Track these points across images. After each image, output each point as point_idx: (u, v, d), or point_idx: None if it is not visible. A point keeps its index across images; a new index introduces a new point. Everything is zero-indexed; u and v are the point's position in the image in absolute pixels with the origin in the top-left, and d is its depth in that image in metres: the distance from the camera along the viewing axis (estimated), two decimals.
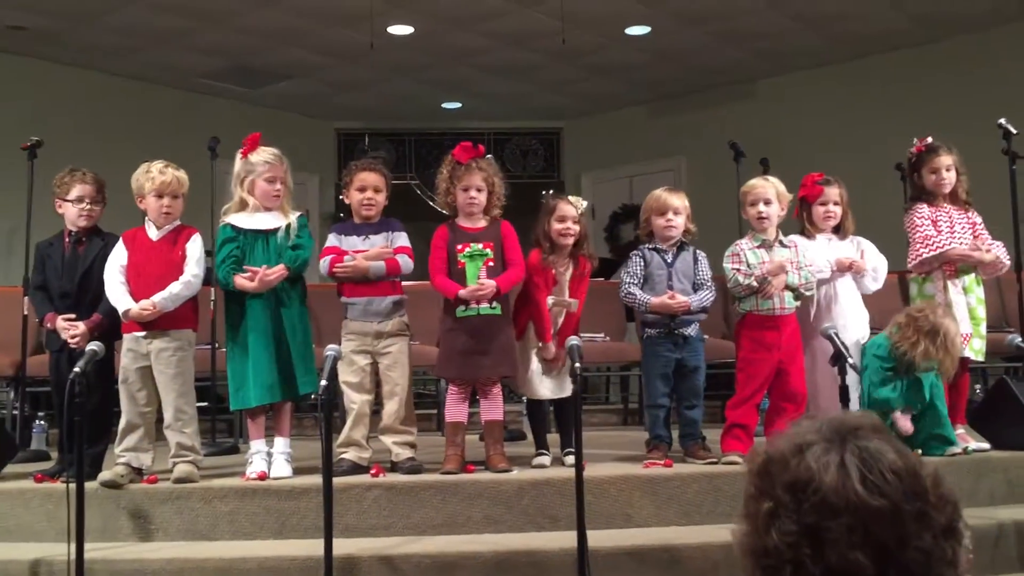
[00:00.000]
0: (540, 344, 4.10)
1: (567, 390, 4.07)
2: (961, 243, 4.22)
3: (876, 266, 4.32)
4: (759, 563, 1.08)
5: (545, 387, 4.12)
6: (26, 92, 7.77)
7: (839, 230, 4.34)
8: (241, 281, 3.85)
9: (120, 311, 3.82)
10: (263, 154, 3.97)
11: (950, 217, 4.27)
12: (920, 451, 3.83)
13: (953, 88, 7.84)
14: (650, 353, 4.19)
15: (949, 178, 4.26)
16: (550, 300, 4.12)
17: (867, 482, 1.03)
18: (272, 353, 3.87)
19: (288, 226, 3.97)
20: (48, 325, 3.99)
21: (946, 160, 4.27)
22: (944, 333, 3.81)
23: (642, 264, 4.19)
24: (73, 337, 3.91)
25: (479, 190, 4.04)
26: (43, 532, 3.53)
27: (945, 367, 3.87)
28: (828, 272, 4.19)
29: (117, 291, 3.84)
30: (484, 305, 3.95)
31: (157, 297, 3.78)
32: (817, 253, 4.21)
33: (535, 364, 4.11)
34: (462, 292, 3.93)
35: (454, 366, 4.02)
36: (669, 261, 4.16)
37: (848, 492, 1.02)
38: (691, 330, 4.11)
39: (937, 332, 3.81)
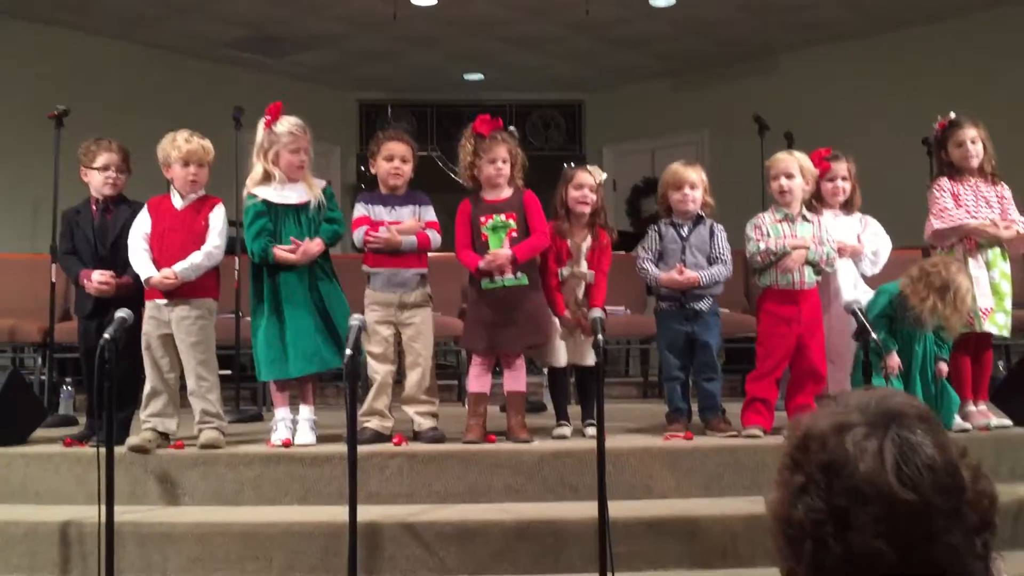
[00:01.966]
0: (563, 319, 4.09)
1: (588, 359, 4.07)
2: (987, 218, 4.18)
3: (877, 249, 4.29)
4: (784, 532, 1.09)
5: (564, 354, 4.11)
6: (52, 61, 7.81)
7: (847, 205, 4.32)
8: (282, 254, 3.87)
9: (143, 278, 3.87)
10: (287, 124, 3.97)
11: (976, 190, 4.23)
12: None
13: (981, 63, 7.73)
14: (662, 326, 4.21)
15: (975, 150, 4.22)
16: (565, 271, 4.12)
17: (902, 474, 1.02)
18: (311, 324, 3.89)
19: (320, 202, 3.99)
20: (85, 281, 4.02)
21: (970, 132, 4.23)
22: (955, 290, 3.74)
23: (657, 239, 4.20)
24: (102, 284, 3.97)
25: (504, 161, 4.04)
26: (72, 495, 3.59)
27: (951, 324, 3.82)
28: None
29: (141, 258, 3.89)
30: (509, 276, 3.96)
31: (178, 267, 3.83)
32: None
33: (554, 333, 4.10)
34: (480, 264, 3.95)
35: (481, 338, 4.03)
36: (684, 235, 4.16)
37: (880, 482, 1.02)
38: (703, 304, 4.10)
39: (947, 288, 3.74)
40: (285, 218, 3.97)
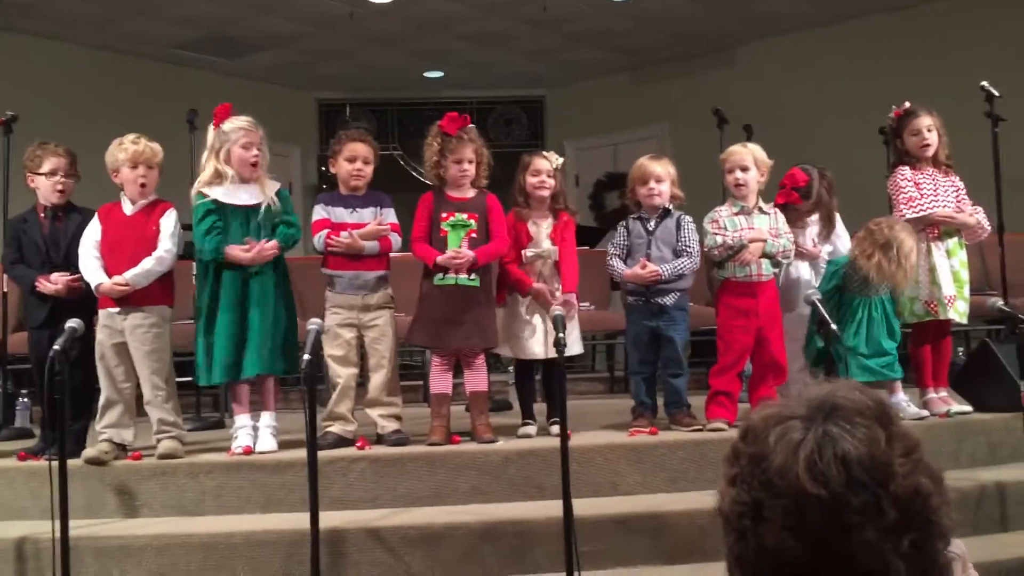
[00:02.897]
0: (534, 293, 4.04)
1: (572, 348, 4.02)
2: (945, 206, 4.22)
3: (833, 248, 4.35)
4: (722, 523, 1.09)
5: (537, 346, 4.04)
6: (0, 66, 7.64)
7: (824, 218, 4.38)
8: (236, 252, 3.80)
9: (93, 286, 3.79)
10: (237, 121, 3.91)
11: (934, 180, 4.26)
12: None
13: (937, 51, 7.81)
14: (629, 321, 4.22)
15: (931, 139, 4.25)
16: (529, 252, 4.09)
17: (813, 468, 1.00)
18: (235, 330, 3.81)
19: (269, 205, 3.90)
20: (44, 283, 3.92)
21: (926, 121, 4.26)
22: (898, 247, 3.82)
23: (625, 234, 4.19)
24: (54, 284, 3.89)
25: (470, 162, 4.02)
26: (28, 510, 3.51)
27: (897, 281, 3.88)
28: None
29: (91, 266, 3.82)
30: (463, 276, 3.94)
31: (129, 274, 3.76)
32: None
33: (525, 324, 4.06)
34: (440, 258, 3.92)
35: (427, 333, 4.02)
36: (650, 229, 4.15)
37: (790, 475, 1.00)
38: (668, 299, 4.07)
39: (891, 245, 3.83)
40: (234, 219, 3.88)
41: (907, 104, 4.33)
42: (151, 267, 3.80)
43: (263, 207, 3.90)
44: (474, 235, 3.98)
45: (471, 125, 4.10)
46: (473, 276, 3.95)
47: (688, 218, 4.19)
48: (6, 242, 4.22)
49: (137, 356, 3.79)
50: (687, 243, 4.12)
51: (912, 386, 4.26)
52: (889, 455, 1.02)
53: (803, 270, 4.36)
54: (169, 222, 3.90)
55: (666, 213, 4.17)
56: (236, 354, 3.82)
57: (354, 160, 4.07)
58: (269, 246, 3.83)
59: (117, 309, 3.79)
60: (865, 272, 3.90)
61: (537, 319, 4.06)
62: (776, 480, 1.01)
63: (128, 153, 3.84)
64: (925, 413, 4.05)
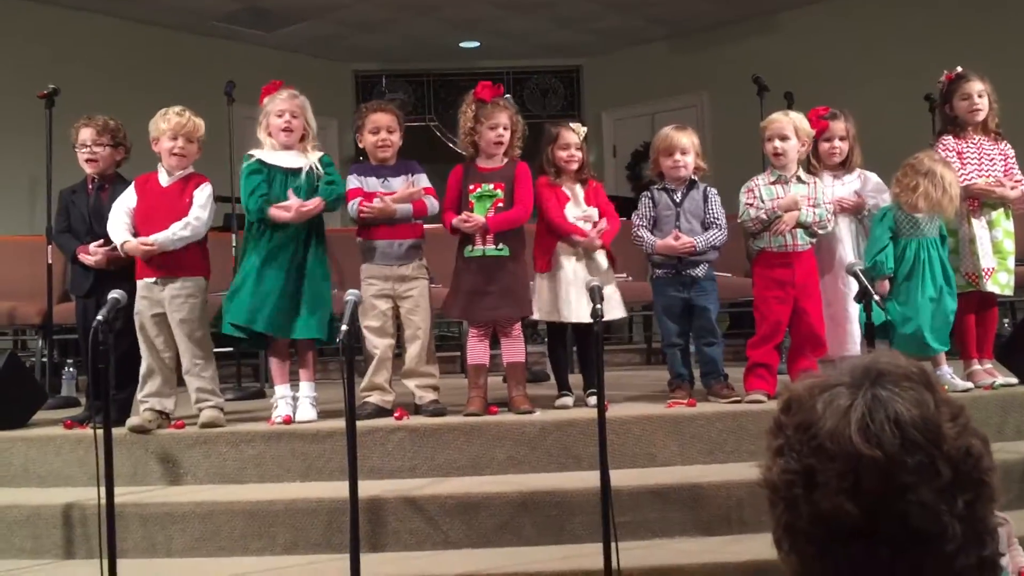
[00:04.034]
0: (583, 243, 4.04)
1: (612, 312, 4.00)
2: (989, 175, 4.13)
3: (877, 203, 4.23)
4: (767, 496, 1.09)
5: (582, 309, 3.87)
6: (42, 39, 7.71)
7: (845, 164, 4.26)
8: (277, 212, 3.83)
9: (117, 244, 3.85)
10: (276, 94, 3.99)
11: (980, 148, 4.18)
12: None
13: (984, 17, 7.61)
14: (658, 293, 4.17)
15: (982, 104, 4.17)
16: (572, 216, 4.08)
17: (866, 431, 1.00)
18: (285, 289, 3.83)
19: (311, 168, 3.94)
20: (83, 255, 3.99)
21: (977, 86, 4.17)
22: (941, 174, 3.82)
23: (651, 205, 4.16)
24: (93, 255, 3.95)
25: (505, 128, 4.02)
26: (74, 477, 3.59)
27: (944, 207, 3.85)
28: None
29: (118, 228, 3.88)
30: (490, 246, 3.94)
31: (157, 235, 3.80)
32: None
33: (565, 288, 4.04)
34: (453, 222, 3.96)
35: (458, 305, 4.04)
36: (677, 200, 4.11)
37: (843, 439, 1.01)
38: (699, 270, 4.05)
39: (934, 172, 3.83)
40: (277, 181, 3.91)
41: (959, 69, 4.23)
42: (179, 231, 3.83)
43: (304, 170, 3.92)
44: (500, 204, 3.98)
45: (507, 96, 4.10)
46: (501, 246, 3.95)
47: (714, 190, 4.17)
48: (56, 212, 4.30)
49: (175, 325, 3.84)
50: (715, 215, 4.11)
51: (956, 358, 4.19)
52: (939, 417, 1.02)
53: (845, 227, 4.26)
54: (202, 195, 3.92)
55: (692, 185, 4.13)
56: (285, 312, 3.83)
57: (377, 131, 4.08)
58: (311, 203, 3.85)
59: (154, 279, 3.84)
60: (910, 205, 3.87)
61: (582, 283, 4.00)
62: (828, 445, 1.01)
63: (170, 124, 3.88)
64: (970, 385, 3.98)
